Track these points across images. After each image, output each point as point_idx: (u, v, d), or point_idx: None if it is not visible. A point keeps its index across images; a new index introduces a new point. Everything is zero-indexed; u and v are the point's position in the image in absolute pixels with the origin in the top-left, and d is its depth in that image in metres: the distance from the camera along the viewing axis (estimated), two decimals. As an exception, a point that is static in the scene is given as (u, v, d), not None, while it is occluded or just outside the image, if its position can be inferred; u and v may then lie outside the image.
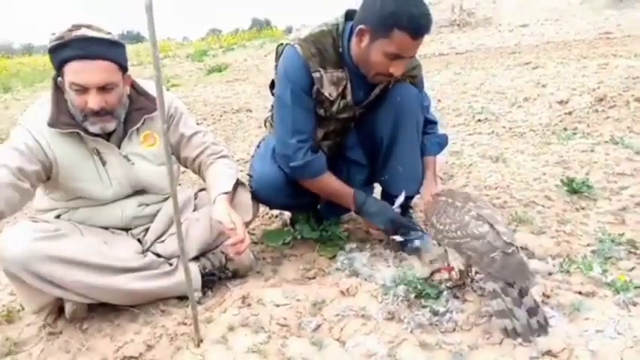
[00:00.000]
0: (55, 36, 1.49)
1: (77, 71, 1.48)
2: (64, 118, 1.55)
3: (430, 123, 2.01)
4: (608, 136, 3.32)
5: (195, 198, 1.93)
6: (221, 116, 5.51)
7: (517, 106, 4.46)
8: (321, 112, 1.84)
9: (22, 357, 1.50)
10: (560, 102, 4.26)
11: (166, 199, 1.80)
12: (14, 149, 1.50)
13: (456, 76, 6.09)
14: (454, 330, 1.45)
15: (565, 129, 3.65)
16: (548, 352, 1.30)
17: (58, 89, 1.57)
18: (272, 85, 1.97)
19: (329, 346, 1.42)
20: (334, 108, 1.84)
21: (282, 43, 1.93)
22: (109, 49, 1.51)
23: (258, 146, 2.08)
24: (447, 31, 12.02)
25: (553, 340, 1.34)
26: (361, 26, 1.64)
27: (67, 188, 1.64)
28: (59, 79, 1.54)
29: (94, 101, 1.50)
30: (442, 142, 2.04)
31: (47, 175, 1.58)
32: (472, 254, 1.45)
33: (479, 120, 4.21)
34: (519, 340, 1.33)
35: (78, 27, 1.49)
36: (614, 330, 1.37)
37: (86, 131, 1.57)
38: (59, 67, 1.50)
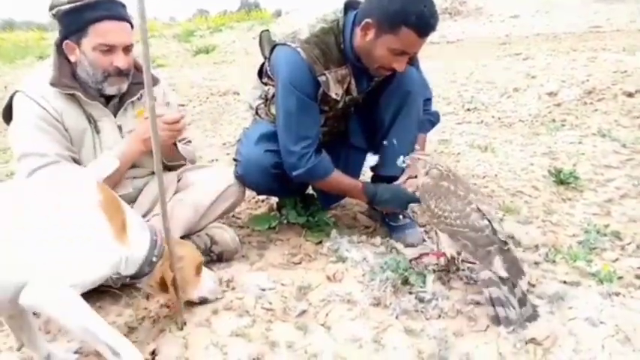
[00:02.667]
0: None
1: (107, 31, 1.53)
2: (66, 80, 1.57)
3: (426, 99, 2.00)
4: (595, 128, 3.34)
5: (179, 180, 1.89)
6: (207, 98, 5.43)
7: (506, 96, 4.46)
8: (326, 108, 1.82)
9: (1, 337, 1.46)
10: (550, 93, 4.27)
11: (151, 173, 1.76)
12: (38, 130, 1.52)
13: (446, 65, 6.08)
14: (439, 317, 1.45)
15: (553, 120, 3.66)
16: (532, 340, 1.31)
17: (61, 55, 1.59)
18: (260, 73, 1.92)
19: (314, 330, 1.41)
20: (340, 105, 1.82)
21: (267, 30, 1.89)
22: (125, 11, 1.58)
23: (246, 129, 2.04)
24: (439, 19, 11.96)
25: (537, 327, 1.35)
26: (367, 20, 1.60)
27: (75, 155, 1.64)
28: (67, 41, 1.56)
29: (121, 60, 1.57)
30: (434, 121, 2.05)
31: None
32: (468, 244, 1.46)
33: (468, 109, 4.21)
34: (512, 328, 1.34)
35: None
36: (597, 319, 1.38)
37: (85, 93, 1.59)
38: (82, 28, 1.53)
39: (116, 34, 1.54)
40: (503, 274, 1.39)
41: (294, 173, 1.78)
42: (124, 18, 1.56)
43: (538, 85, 4.55)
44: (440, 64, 6.16)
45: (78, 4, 1.50)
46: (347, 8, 1.74)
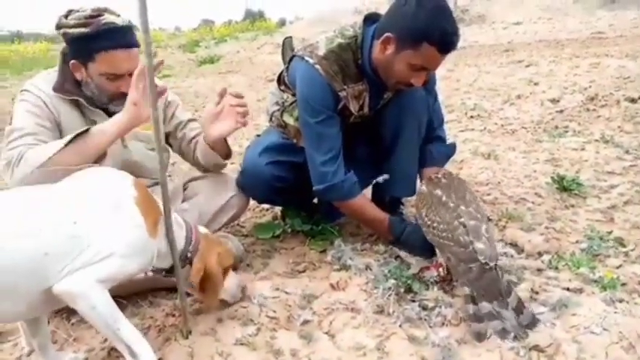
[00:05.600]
0: (77, 21, 1.50)
1: (115, 61, 1.52)
2: (69, 87, 1.58)
3: (439, 124, 1.99)
4: (598, 134, 3.34)
5: (185, 189, 1.91)
6: (213, 108, 5.47)
7: (509, 103, 4.47)
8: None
9: (8, 347, 1.47)
10: (552, 100, 4.28)
11: (155, 183, 1.78)
12: (30, 113, 1.53)
13: (449, 72, 6.10)
14: (443, 324, 1.45)
15: (556, 127, 3.67)
16: (536, 347, 1.31)
17: (66, 63, 1.59)
18: (279, 80, 1.94)
19: (318, 339, 1.42)
20: (351, 119, 1.83)
21: (289, 37, 1.90)
22: (133, 35, 1.57)
23: (257, 136, 2.06)
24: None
25: (540, 335, 1.35)
26: (388, 34, 1.60)
27: None
28: (74, 61, 1.55)
29: (127, 86, 1.54)
30: (449, 153, 2.03)
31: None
32: (452, 258, 1.49)
33: (471, 116, 4.22)
34: (510, 337, 1.34)
35: (99, 12, 1.52)
36: (601, 326, 1.38)
37: (88, 101, 1.60)
38: (89, 55, 1.52)
39: (123, 63, 1.53)
40: (466, 291, 1.43)
41: (314, 188, 1.79)
42: (132, 44, 1.55)
43: (541, 91, 4.57)
44: (443, 71, 6.18)
45: (86, 31, 1.49)
46: (366, 21, 1.75)
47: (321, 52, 1.71)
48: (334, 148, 1.75)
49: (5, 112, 5.48)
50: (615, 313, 1.44)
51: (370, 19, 1.75)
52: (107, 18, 1.51)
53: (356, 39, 1.73)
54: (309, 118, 1.73)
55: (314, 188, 1.80)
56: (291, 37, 1.93)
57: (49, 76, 1.61)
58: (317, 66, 1.69)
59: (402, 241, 1.83)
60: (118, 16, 1.55)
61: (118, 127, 1.49)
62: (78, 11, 1.54)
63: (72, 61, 1.56)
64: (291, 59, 1.82)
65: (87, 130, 1.45)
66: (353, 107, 1.77)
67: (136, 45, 1.58)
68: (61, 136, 1.58)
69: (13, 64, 12.01)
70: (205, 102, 5.75)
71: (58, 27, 1.54)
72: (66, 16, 1.54)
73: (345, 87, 1.72)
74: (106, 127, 1.49)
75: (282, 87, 1.92)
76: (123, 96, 1.58)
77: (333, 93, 1.71)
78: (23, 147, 1.44)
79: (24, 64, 12.12)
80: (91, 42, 1.50)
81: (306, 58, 1.72)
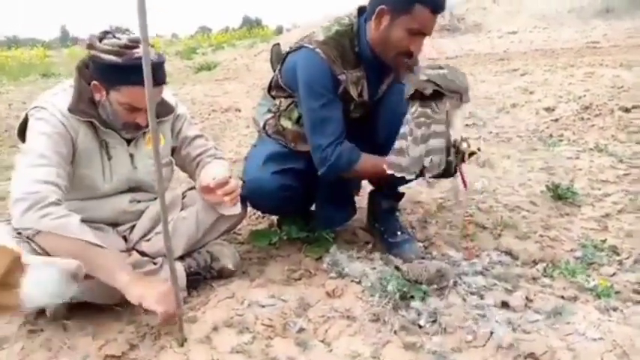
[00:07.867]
0: (110, 47, 1.47)
1: (137, 96, 1.49)
2: (84, 107, 1.56)
3: None
4: (593, 143, 3.38)
5: (184, 197, 1.91)
6: (209, 115, 5.48)
7: (504, 111, 4.51)
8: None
9: (2, 354, 1.47)
10: (547, 109, 4.32)
11: (156, 198, 1.78)
12: (49, 137, 1.50)
13: (445, 80, 6.13)
14: (438, 332, 1.45)
15: (551, 136, 3.70)
16: (531, 355, 1.32)
17: (82, 79, 1.57)
18: (270, 87, 1.95)
19: (314, 347, 1.42)
20: (351, 107, 1.85)
21: (277, 44, 1.92)
22: (163, 73, 1.55)
23: (254, 146, 2.05)
24: (437, 36, 12.11)
25: (535, 343, 1.36)
26: (381, 7, 1.67)
27: (75, 173, 1.61)
28: (95, 82, 1.53)
29: (143, 119, 1.56)
30: None
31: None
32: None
33: (466, 125, 4.24)
34: (402, 174, 1.50)
35: (135, 44, 1.47)
36: (595, 334, 1.39)
37: (101, 122, 1.58)
38: (114, 84, 1.51)
39: (145, 99, 1.46)
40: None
41: (320, 172, 1.79)
42: (158, 82, 1.49)
43: (536, 100, 4.61)
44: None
45: (117, 61, 1.46)
46: (359, 12, 1.81)
47: (320, 38, 1.76)
48: (336, 131, 1.76)
49: (2, 117, 5.48)
50: (609, 321, 1.45)
51: (364, 10, 1.80)
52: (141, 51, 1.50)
53: (352, 27, 1.79)
54: (312, 102, 1.74)
55: (319, 172, 1.80)
56: (279, 44, 1.96)
57: (64, 92, 1.58)
58: (317, 50, 1.73)
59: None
60: (152, 46, 1.51)
61: (113, 278, 1.43)
62: (114, 36, 1.50)
63: (94, 82, 1.53)
64: (284, 58, 1.84)
65: (102, 247, 1.44)
66: (353, 92, 1.79)
67: (162, 82, 1.55)
68: (74, 156, 1.57)
69: (10, 70, 11.99)
70: (202, 109, 5.75)
71: (89, 47, 1.51)
72: (100, 39, 1.50)
73: (345, 71, 1.76)
74: (111, 266, 1.44)
75: (274, 92, 1.93)
76: (136, 126, 1.60)
77: (334, 77, 1.74)
78: (51, 195, 1.42)
79: (20, 69, 12.11)
80: (120, 73, 1.48)
81: (305, 45, 1.76)
